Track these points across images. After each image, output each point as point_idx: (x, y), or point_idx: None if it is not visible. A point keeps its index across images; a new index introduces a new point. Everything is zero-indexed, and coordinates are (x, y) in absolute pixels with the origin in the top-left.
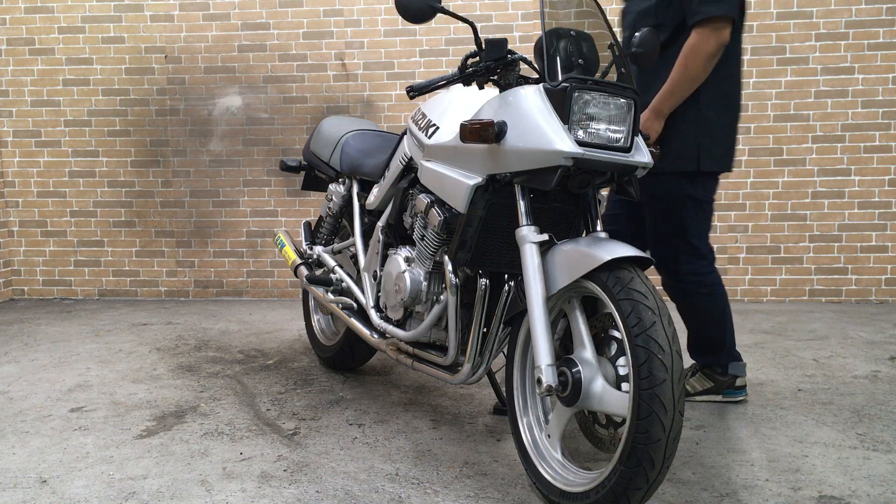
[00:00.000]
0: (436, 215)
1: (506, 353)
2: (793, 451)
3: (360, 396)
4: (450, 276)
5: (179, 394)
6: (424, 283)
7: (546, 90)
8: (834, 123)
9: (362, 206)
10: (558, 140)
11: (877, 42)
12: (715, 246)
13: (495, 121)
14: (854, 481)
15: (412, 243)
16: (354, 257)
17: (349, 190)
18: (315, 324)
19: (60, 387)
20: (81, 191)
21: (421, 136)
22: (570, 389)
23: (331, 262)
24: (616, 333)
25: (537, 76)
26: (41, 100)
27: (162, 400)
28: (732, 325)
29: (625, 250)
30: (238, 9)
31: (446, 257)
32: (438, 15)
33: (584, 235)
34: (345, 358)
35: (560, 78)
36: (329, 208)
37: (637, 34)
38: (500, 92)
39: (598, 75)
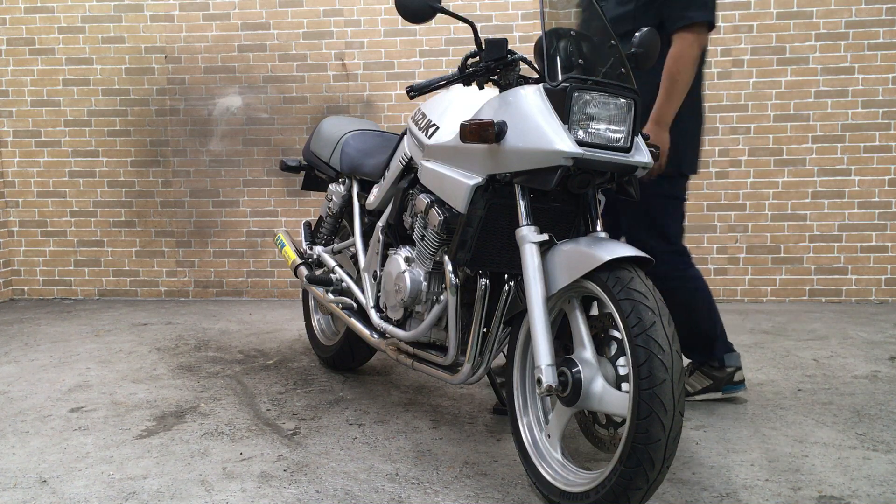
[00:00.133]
0: (436, 215)
1: (506, 353)
2: (793, 451)
3: (360, 396)
4: (450, 276)
5: (179, 394)
6: (424, 283)
7: (546, 90)
8: (834, 123)
9: (362, 206)
10: (558, 140)
11: (877, 42)
12: (715, 246)
13: (495, 121)
14: (854, 481)
15: (412, 243)
16: (354, 257)
17: (349, 190)
18: (315, 324)
19: (60, 387)
20: (81, 191)
21: (421, 136)
22: (570, 389)
23: (331, 262)
24: (616, 333)
25: (537, 76)
26: (41, 100)
27: (162, 400)
28: (720, 316)
29: (625, 250)
30: (238, 9)
31: (446, 257)
32: (438, 15)
33: (584, 235)
34: (345, 358)
35: (560, 78)
36: (329, 208)
37: (637, 34)
38: (500, 92)
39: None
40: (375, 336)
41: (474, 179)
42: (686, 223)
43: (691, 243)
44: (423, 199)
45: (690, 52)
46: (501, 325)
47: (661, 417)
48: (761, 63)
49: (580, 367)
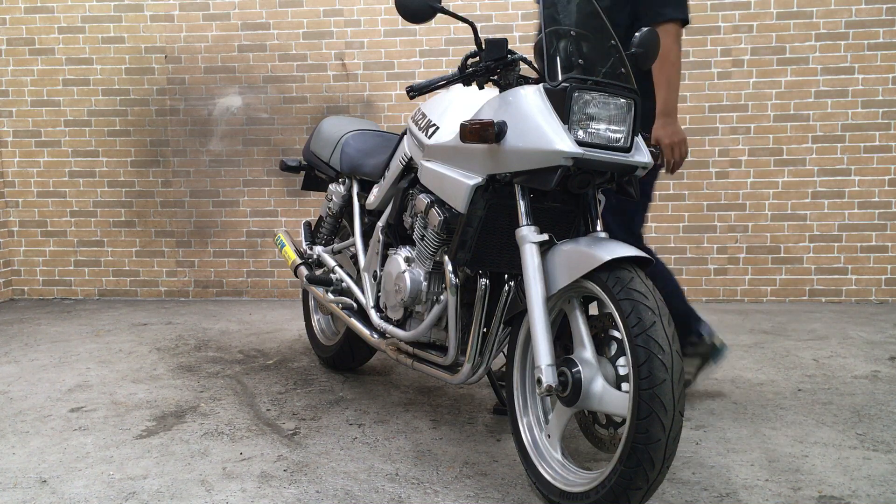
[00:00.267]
0: (436, 215)
1: (506, 353)
2: (793, 451)
3: (360, 396)
4: (450, 276)
5: (179, 394)
6: (424, 283)
7: (546, 90)
8: (834, 123)
9: (362, 206)
10: (558, 140)
11: (877, 42)
12: (715, 246)
13: (495, 121)
14: (854, 481)
15: (412, 243)
16: (354, 257)
17: (349, 190)
18: (315, 324)
19: (60, 387)
20: (81, 191)
21: (421, 136)
22: (570, 389)
23: (331, 262)
24: (616, 333)
25: (537, 76)
26: (41, 100)
27: (162, 400)
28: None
29: (625, 250)
30: (238, 9)
31: (446, 257)
32: (438, 15)
33: (584, 235)
34: (345, 358)
35: (560, 78)
36: (329, 208)
37: (637, 34)
38: (500, 92)
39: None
40: (375, 336)
41: (474, 179)
42: (685, 223)
43: (691, 243)
44: (423, 199)
45: (675, 45)
46: (501, 325)
47: (661, 417)
48: (761, 63)
49: (580, 367)
